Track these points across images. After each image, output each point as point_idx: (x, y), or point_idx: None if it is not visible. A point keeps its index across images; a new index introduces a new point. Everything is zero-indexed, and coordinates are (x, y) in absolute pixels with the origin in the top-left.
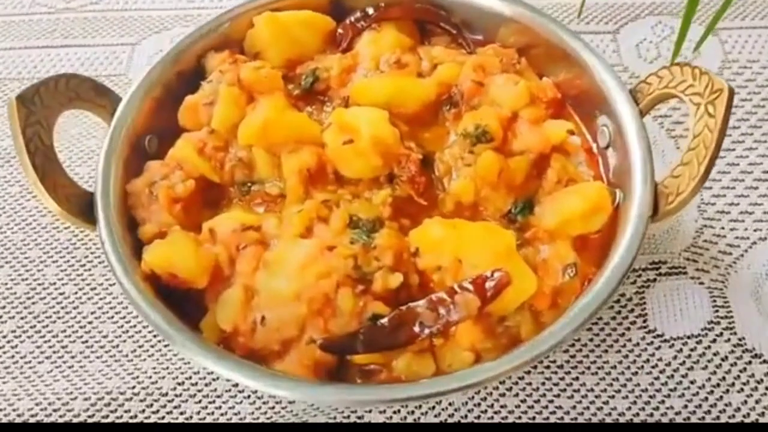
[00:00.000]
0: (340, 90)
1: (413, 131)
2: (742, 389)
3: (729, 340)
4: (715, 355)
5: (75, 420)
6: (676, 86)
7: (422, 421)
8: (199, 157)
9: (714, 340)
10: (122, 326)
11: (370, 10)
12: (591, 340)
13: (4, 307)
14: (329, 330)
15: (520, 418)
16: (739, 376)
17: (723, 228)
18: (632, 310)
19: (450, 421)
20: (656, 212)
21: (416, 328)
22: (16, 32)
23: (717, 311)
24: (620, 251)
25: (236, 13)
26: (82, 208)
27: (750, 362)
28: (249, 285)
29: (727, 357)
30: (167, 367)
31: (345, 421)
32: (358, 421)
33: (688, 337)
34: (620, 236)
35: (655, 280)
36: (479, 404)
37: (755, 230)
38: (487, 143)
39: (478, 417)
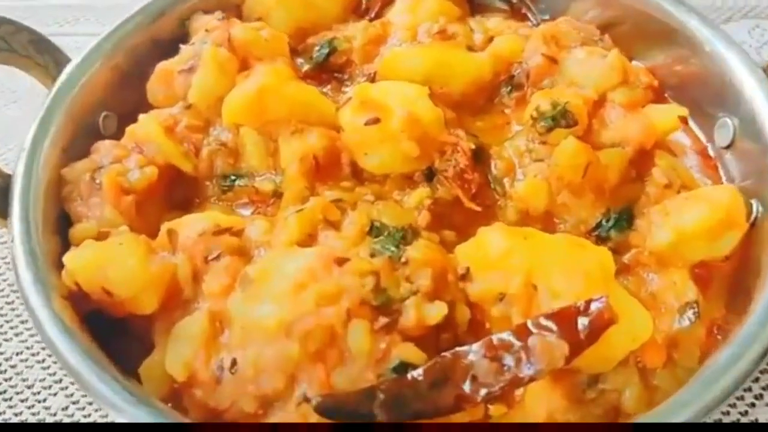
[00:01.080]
0: (365, 66)
1: (461, 119)
2: None
3: None
4: None
5: None
6: None
7: None
8: (167, 137)
9: None
10: (54, 373)
11: None
12: None
13: None
14: (332, 384)
15: None
16: None
17: None
18: (757, 380)
19: None
20: None
21: (466, 387)
22: None
23: None
24: None
25: None
26: None
27: None
28: (218, 312)
29: None
30: None
31: None
32: None
33: None
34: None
35: None
36: None
37: None
38: (568, 128)
39: None
